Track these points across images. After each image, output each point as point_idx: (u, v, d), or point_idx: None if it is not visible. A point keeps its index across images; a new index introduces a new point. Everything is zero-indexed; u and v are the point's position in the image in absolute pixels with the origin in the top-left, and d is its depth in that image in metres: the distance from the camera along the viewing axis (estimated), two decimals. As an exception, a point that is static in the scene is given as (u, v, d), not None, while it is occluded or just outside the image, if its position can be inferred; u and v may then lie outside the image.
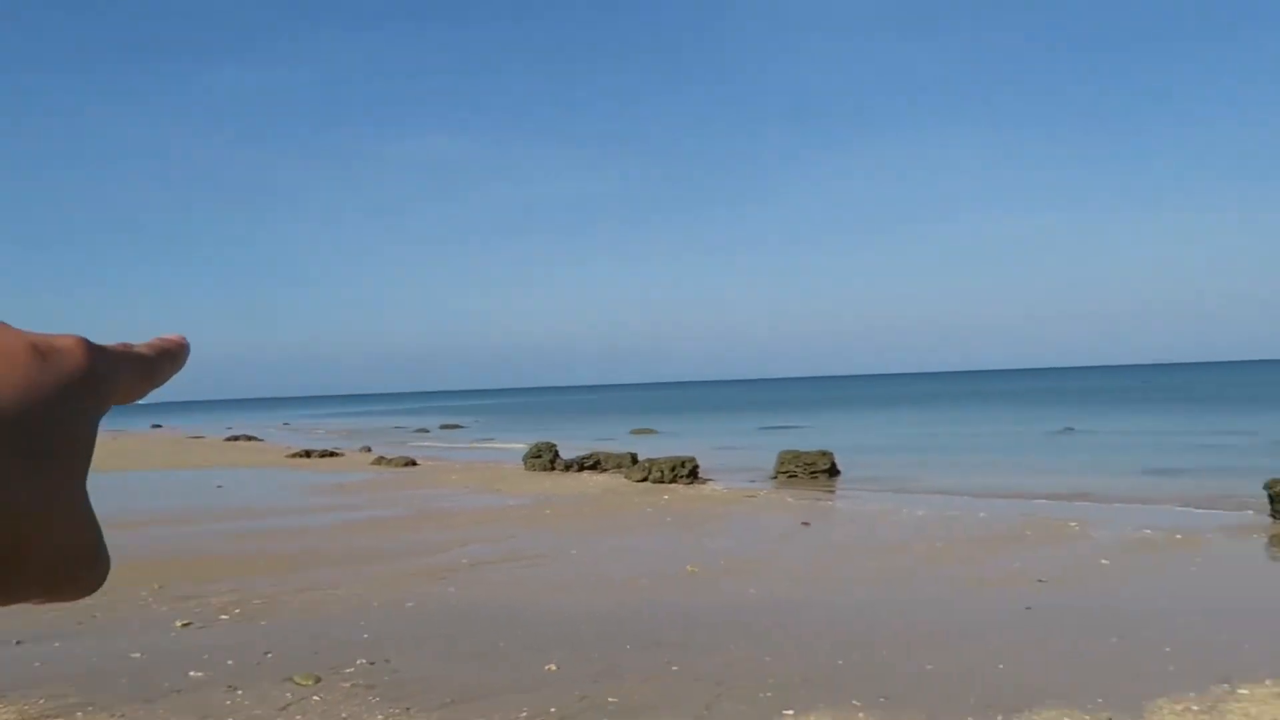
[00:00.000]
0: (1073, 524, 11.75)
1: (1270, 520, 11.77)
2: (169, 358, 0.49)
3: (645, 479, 18.16)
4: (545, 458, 21.80)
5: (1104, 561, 9.40)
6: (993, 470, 19.40)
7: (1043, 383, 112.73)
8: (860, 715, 5.12)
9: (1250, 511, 12.40)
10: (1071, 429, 31.56)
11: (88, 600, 7.78)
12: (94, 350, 0.43)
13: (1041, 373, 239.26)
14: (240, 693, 5.61)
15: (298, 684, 5.75)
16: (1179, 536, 10.72)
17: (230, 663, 6.21)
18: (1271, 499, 12.03)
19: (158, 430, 56.72)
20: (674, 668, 6.04)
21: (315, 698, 5.50)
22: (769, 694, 5.50)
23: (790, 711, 5.18)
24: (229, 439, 40.56)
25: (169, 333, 0.51)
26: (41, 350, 0.40)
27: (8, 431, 0.36)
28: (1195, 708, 5.17)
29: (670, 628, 7.08)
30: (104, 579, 0.41)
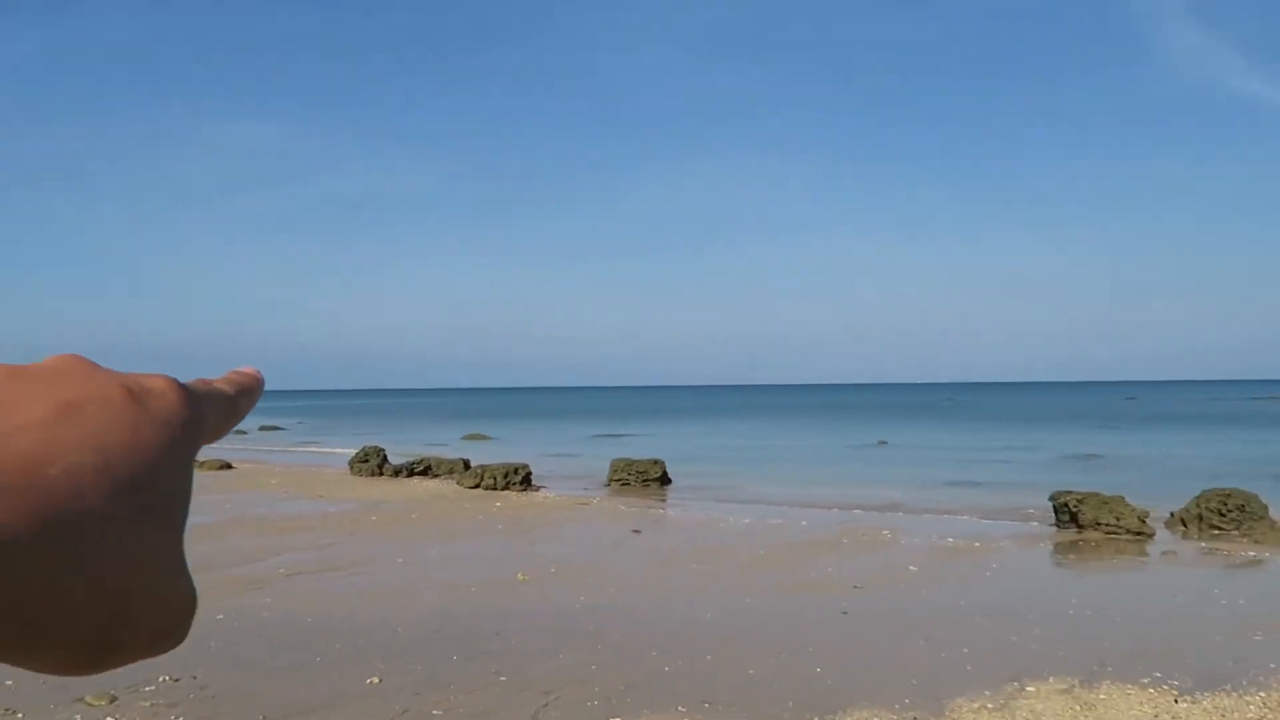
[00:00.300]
0: (885, 532, 12.43)
1: (1054, 529, 12.85)
2: (247, 394, 0.48)
3: (477, 485, 17.90)
4: (373, 462, 21.11)
5: (912, 568, 9.99)
6: (813, 480, 20.27)
7: (859, 397, 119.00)
8: (685, 720, 5.22)
9: (1036, 523, 13.50)
10: (885, 442, 33.44)
11: None
12: (185, 391, 0.41)
13: (858, 388, 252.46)
14: (21, 716, 5.12)
15: (90, 704, 5.30)
16: (977, 544, 11.53)
17: (10, 683, 5.65)
18: (1055, 510, 13.14)
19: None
20: (501, 677, 5.97)
21: (109, 719, 5.09)
22: (596, 702, 5.51)
23: (617, 718, 5.21)
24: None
25: (244, 365, 0.49)
26: (137, 395, 0.38)
27: (119, 486, 0.34)
28: (990, 705, 5.56)
29: (498, 636, 6.98)
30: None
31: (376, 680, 5.85)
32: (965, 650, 6.69)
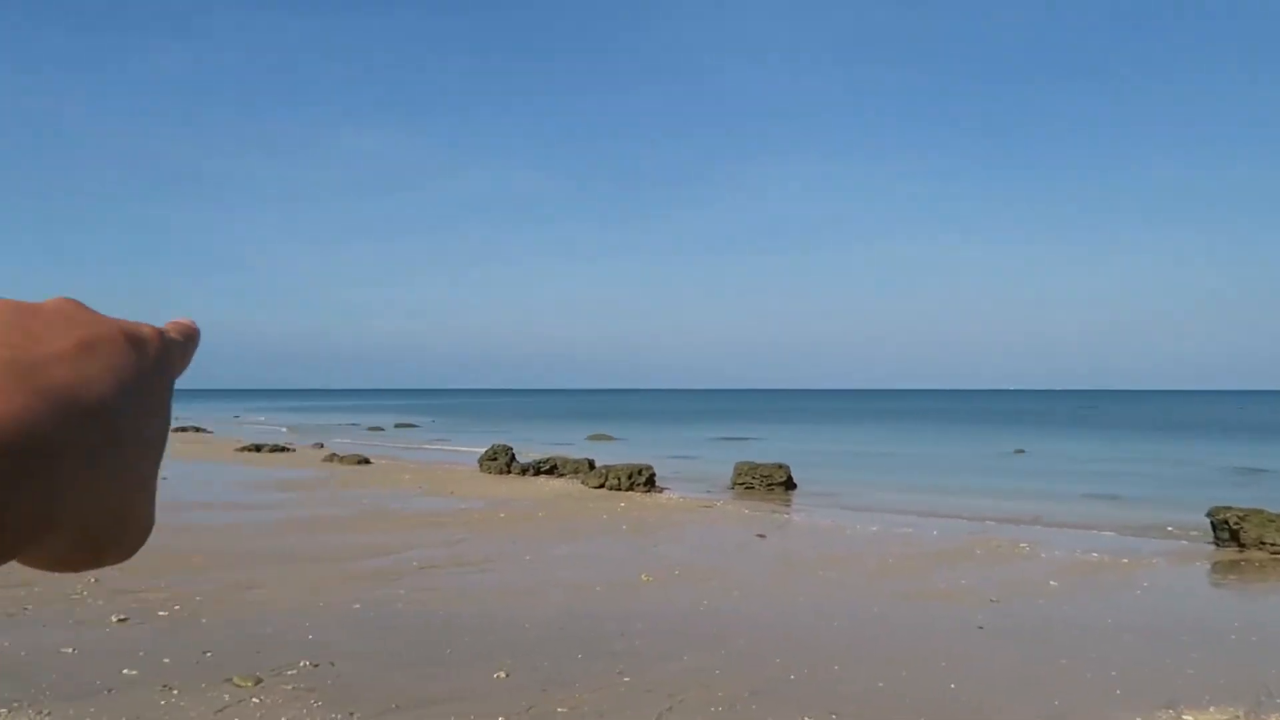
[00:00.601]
0: (1023, 545, 11.87)
1: (1213, 547, 11.99)
2: (192, 342, 0.51)
3: (602, 485, 18.06)
4: (501, 460, 21.60)
5: (1053, 583, 9.48)
6: (945, 489, 19.59)
7: (994, 404, 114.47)
8: (811, 731, 5.08)
9: (1188, 540, 12.62)
10: (1023, 451, 32.02)
11: (20, 592, 7.50)
12: (164, 339, 0.46)
13: (992, 394, 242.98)
14: (176, 693, 5.43)
15: (237, 685, 5.58)
16: (1125, 560, 10.87)
17: (167, 661, 6.01)
18: (1214, 526, 12.26)
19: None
20: (625, 677, 5.96)
21: (255, 700, 5.34)
22: (720, 708, 5.44)
23: (741, 726, 5.12)
24: (175, 430, 39.67)
25: (180, 317, 0.52)
26: (133, 339, 0.43)
27: (127, 419, 0.39)
28: (1142, 732, 5.20)
29: (622, 637, 6.99)
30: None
31: (504, 675, 5.93)
32: (1113, 672, 6.29)
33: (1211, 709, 5.57)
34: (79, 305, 0.43)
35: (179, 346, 0.48)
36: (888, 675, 6.15)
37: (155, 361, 0.43)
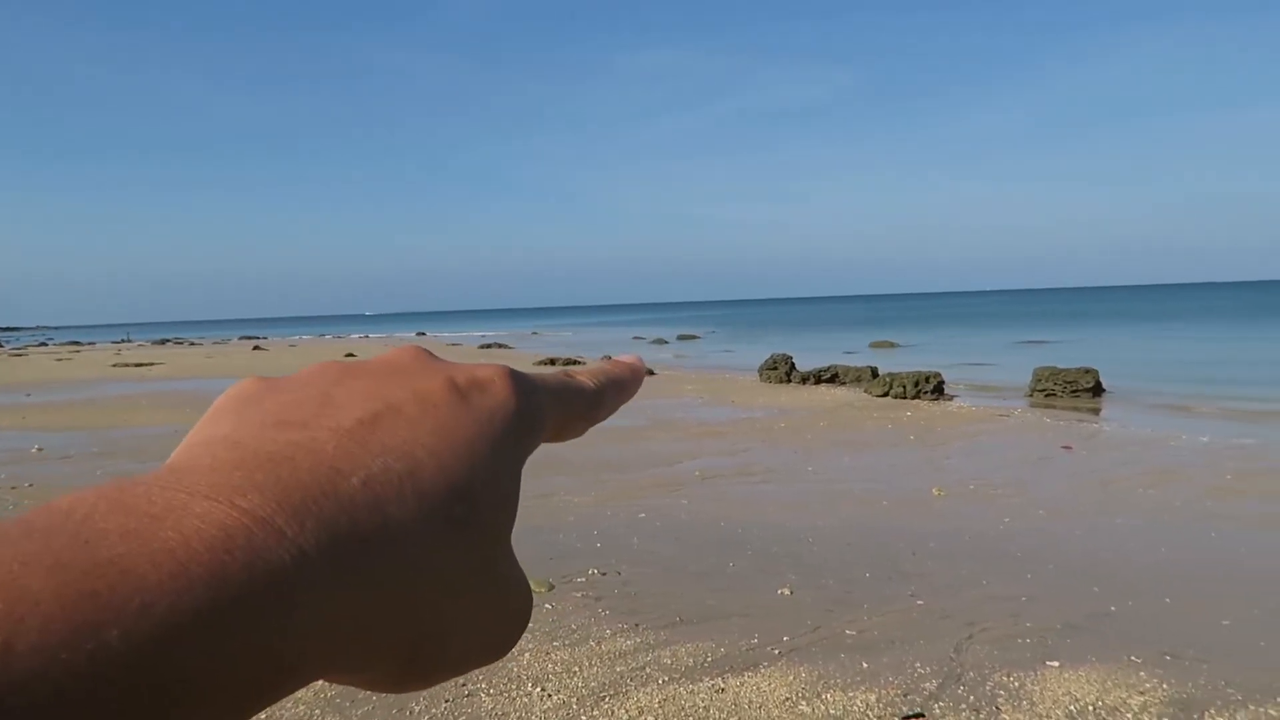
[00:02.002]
0: (1407, 460, 9.92)
1: None
2: (617, 388, 0.44)
3: (886, 394, 17.35)
4: (781, 370, 21.39)
5: None
6: (1296, 394, 16.88)
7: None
8: (1141, 674, 4.46)
9: None
10: (1399, 347, 27.04)
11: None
12: (520, 384, 0.38)
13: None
14: (479, 595, 5.76)
15: (533, 590, 5.82)
16: None
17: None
18: None
19: (422, 337, 61.47)
20: (918, 601, 5.58)
21: (547, 605, 5.55)
22: (1029, 639, 4.93)
23: (1055, 663, 4.60)
24: (482, 346, 43.21)
25: (623, 355, 0.46)
26: (462, 389, 0.36)
27: (424, 495, 0.31)
28: None
29: (914, 556, 6.58)
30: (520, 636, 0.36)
31: (788, 592, 5.76)
32: None
33: None
34: (417, 354, 0.36)
35: (570, 393, 0.39)
36: (1234, 613, 5.30)
37: (491, 415, 0.34)
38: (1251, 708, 4.09)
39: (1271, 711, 4.05)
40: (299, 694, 4.35)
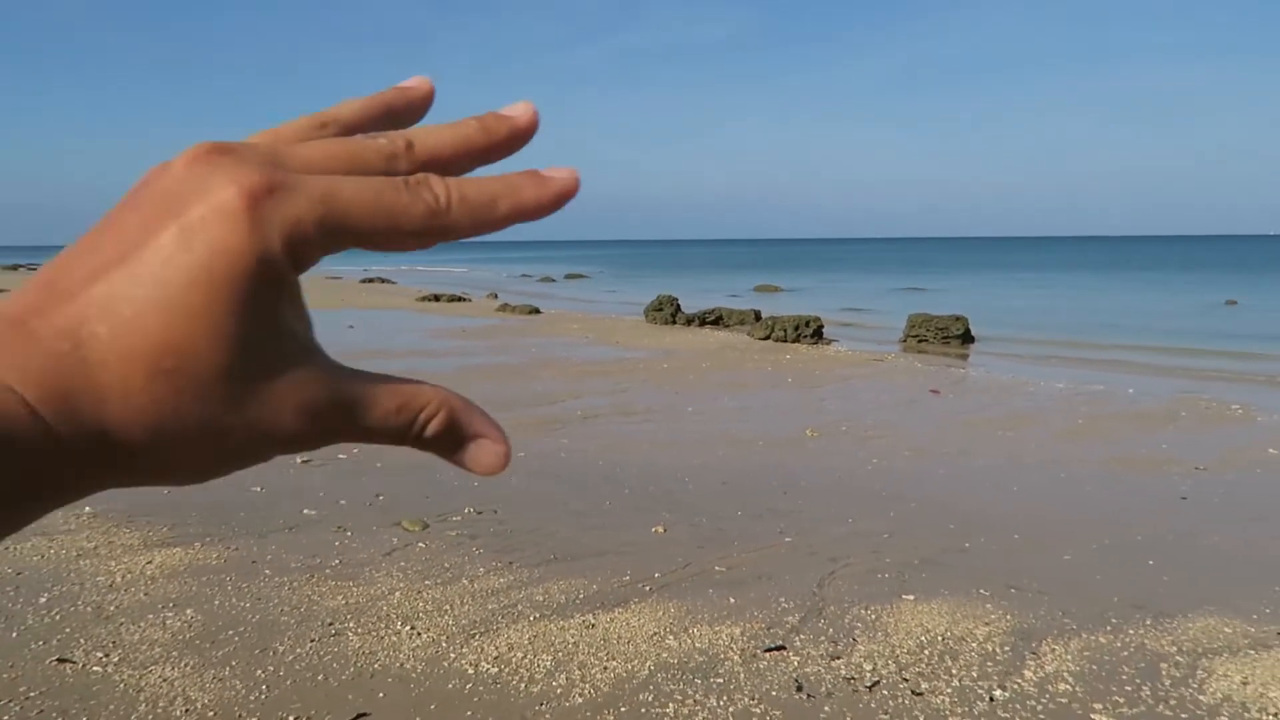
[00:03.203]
0: (1235, 407, 10.75)
1: None
2: (486, 201, 0.38)
3: (768, 337, 17.70)
4: (666, 311, 21.54)
5: (1272, 450, 8.52)
6: (1143, 345, 18.06)
7: (1204, 252, 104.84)
8: (988, 606, 4.73)
9: None
10: (1235, 302, 29.16)
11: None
12: (258, 217, 0.37)
13: (1203, 240, 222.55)
14: (349, 534, 5.64)
15: (405, 529, 5.74)
16: (1361, 427, 9.64)
17: (342, 503, 6.27)
18: None
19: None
20: (786, 538, 5.76)
21: (420, 544, 5.48)
22: (887, 574, 5.15)
23: (910, 596, 4.83)
24: (364, 280, 41.93)
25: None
26: (189, 232, 0.36)
27: (129, 353, 0.34)
28: (1382, 626, 4.55)
29: (785, 495, 6.77)
30: None
31: (661, 530, 5.85)
32: (1346, 556, 5.55)
33: None
34: (188, 176, 0.34)
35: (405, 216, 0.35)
36: (1075, 548, 5.66)
37: (224, 272, 0.33)
38: (1085, 635, 4.39)
39: (1101, 639, 4.36)
40: (155, 635, 4.19)
